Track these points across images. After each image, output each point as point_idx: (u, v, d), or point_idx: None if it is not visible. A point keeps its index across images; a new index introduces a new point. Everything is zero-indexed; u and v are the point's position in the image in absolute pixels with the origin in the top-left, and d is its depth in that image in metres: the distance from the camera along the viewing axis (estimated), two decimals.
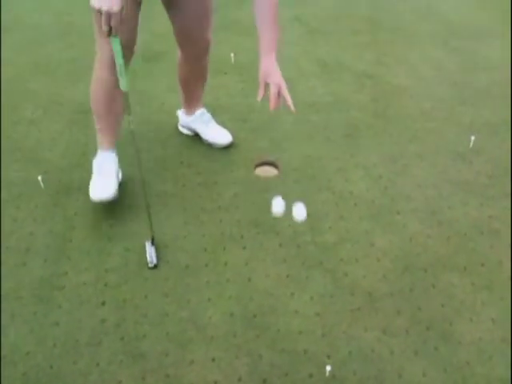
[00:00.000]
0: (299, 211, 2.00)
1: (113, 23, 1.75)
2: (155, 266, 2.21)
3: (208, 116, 2.91)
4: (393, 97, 3.38)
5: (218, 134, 2.91)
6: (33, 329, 1.99)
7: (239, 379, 1.85)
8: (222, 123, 3.07)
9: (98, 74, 2.32)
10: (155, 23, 4.18)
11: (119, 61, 1.74)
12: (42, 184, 2.59)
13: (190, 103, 2.88)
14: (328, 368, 1.83)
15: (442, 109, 3.27)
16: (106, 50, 2.16)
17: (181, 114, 2.98)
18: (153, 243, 2.27)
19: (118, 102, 2.38)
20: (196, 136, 3.00)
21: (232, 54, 3.69)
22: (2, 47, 3.94)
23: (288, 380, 1.84)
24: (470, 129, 3.06)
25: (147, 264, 2.23)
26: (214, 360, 1.90)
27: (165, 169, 2.77)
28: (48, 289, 2.14)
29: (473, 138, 2.90)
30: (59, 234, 2.39)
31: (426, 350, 1.96)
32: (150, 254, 2.24)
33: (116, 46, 1.72)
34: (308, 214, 2.47)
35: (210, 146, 2.92)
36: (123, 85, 1.78)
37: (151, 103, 3.34)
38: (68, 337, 1.97)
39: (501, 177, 2.74)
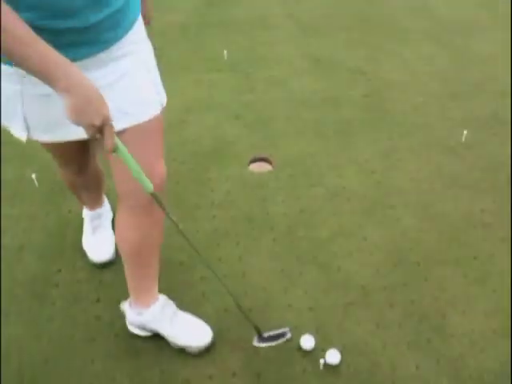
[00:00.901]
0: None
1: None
2: None
3: (171, 305, 1.95)
4: (384, 92, 3.40)
5: (192, 333, 1.92)
6: (28, 325, 2.00)
7: (233, 374, 1.86)
8: (215, 120, 3.09)
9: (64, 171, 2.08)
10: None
11: (134, 167, 1.32)
12: (36, 182, 2.59)
13: (140, 292, 1.90)
14: (322, 362, 1.84)
15: (433, 104, 3.28)
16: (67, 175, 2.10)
17: (127, 308, 1.93)
18: None
19: (90, 179, 2.13)
20: (189, 138, 3.01)
21: (225, 51, 3.69)
22: None
23: (282, 374, 1.86)
24: (461, 123, 3.07)
25: None
26: (208, 355, 1.92)
27: None
28: (43, 286, 2.15)
29: (465, 132, 2.92)
30: (54, 231, 2.40)
31: (418, 342, 1.98)
32: None
33: (124, 154, 1.29)
34: (301, 210, 2.50)
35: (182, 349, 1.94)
36: (148, 187, 1.38)
37: None
38: (63, 333, 1.98)
39: (493, 170, 2.76)
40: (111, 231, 2.29)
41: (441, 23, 4.24)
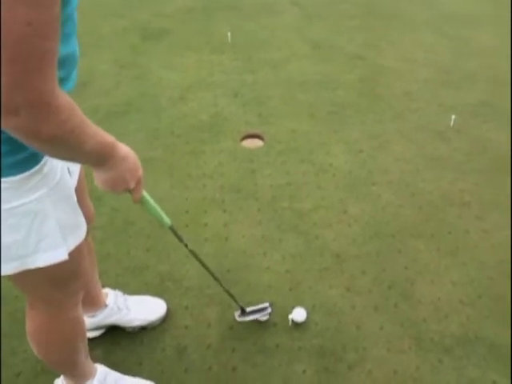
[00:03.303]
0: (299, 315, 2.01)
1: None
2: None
3: (121, 295, 1.97)
4: (380, 78, 3.49)
5: (147, 308, 2.00)
6: None
7: (208, 325, 1.99)
8: (213, 98, 3.23)
9: (72, 314, 1.47)
10: (155, 3, 4.33)
11: (153, 205, 1.39)
12: None
13: (93, 300, 1.85)
14: (290, 317, 1.97)
15: (426, 90, 3.38)
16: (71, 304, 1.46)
17: None
18: None
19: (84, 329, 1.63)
20: (188, 113, 3.15)
21: (229, 34, 3.81)
22: None
23: (253, 326, 1.98)
24: (452, 109, 3.16)
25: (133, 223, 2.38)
26: (186, 308, 2.05)
27: (156, 138, 2.91)
28: None
29: (453, 117, 3.01)
30: None
31: (385, 306, 2.09)
32: None
33: (150, 203, 1.38)
34: (288, 183, 2.63)
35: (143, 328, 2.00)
36: (166, 220, 1.46)
37: (149, 78, 3.48)
38: None
39: (477, 154, 2.86)
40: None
41: (443, 14, 4.31)
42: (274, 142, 2.91)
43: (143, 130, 2.96)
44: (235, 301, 1.93)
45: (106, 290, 1.95)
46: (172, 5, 4.26)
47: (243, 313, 1.97)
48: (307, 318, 1.99)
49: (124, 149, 1.13)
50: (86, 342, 1.62)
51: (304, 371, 1.85)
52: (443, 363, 1.89)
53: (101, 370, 1.72)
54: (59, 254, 1.18)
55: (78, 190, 1.37)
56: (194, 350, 1.91)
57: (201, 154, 2.82)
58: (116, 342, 1.92)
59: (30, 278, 1.24)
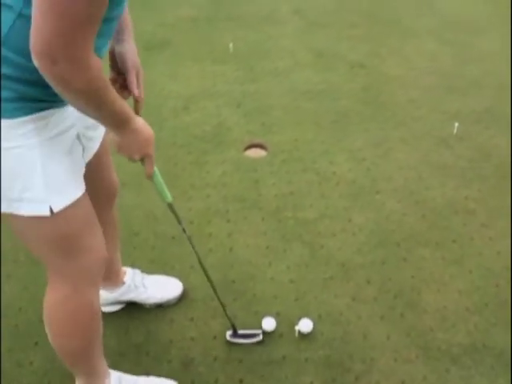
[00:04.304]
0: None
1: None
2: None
3: (139, 273, 2.07)
4: (383, 86, 3.49)
5: (164, 287, 2.10)
6: (26, 287, 2.15)
7: (214, 337, 1.99)
8: (216, 108, 3.24)
9: (88, 298, 1.50)
10: (158, 13, 4.36)
11: (160, 181, 1.49)
12: None
13: (111, 276, 1.92)
14: (297, 328, 1.96)
15: (429, 97, 3.37)
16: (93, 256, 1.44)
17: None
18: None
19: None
20: (190, 123, 3.15)
21: (231, 44, 3.83)
22: None
23: None
24: (455, 116, 3.16)
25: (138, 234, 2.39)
26: (192, 320, 2.05)
27: (158, 148, 2.84)
28: None
29: (456, 124, 3.00)
30: None
31: (392, 316, 2.08)
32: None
33: (158, 179, 1.49)
34: (291, 192, 2.63)
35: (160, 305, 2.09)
36: (168, 196, 1.54)
37: (151, 88, 3.47)
38: None
39: (481, 161, 2.85)
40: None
41: (444, 21, 4.32)
42: (278, 152, 2.91)
43: None
44: (228, 318, 1.93)
45: (125, 268, 2.03)
46: (174, 15, 4.27)
47: (235, 334, 1.96)
48: (313, 328, 1.98)
49: (138, 123, 1.25)
50: (101, 338, 1.62)
51: (311, 383, 1.84)
52: (451, 373, 1.88)
53: (114, 374, 1.74)
54: (42, 208, 1.23)
55: (100, 161, 1.53)
56: (201, 362, 1.90)
57: (204, 164, 2.83)
58: (122, 353, 1.92)
59: (32, 236, 1.34)
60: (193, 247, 1.75)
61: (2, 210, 1.25)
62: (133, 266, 2.25)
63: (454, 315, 2.09)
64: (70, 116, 1.27)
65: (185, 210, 2.52)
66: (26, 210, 1.23)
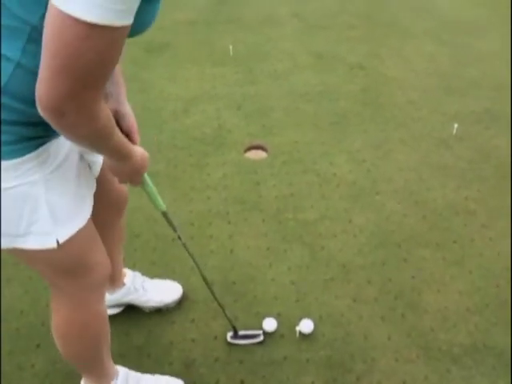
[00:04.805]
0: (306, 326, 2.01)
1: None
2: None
3: (139, 276, 2.08)
4: (382, 87, 3.50)
5: (163, 291, 2.10)
6: (28, 291, 2.16)
7: (215, 338, 1.99)
8: (216, 110, 3.24)
9: (95, 309, 1.52)
10: (158, 16, 4.36)
11: (152, 189, 1.50)
12: None
13: (113, 278, 1.91)
14: (298, 329, 1.96)
15: (429, 98, 3.38)
16: (99, 271, 1.45)
17: None
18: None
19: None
20: (190, 126, 3.16)
21: (231, 47, 3.84)
22: None
23: None
24: (454, 117, 3.16)
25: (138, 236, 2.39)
26: (193, 321, 2.05)
27: (159, 151, 2.92)
28: None
29: (456, 125, 3.01)
30: None
31: (393, 316, 2.08)
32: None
33: (147, 185, 1.49)
34: (292, 194, 2.63)
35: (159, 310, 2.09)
36: (162, 205, 1.55)
37: (151, 91, 3.49)
38: None
39: (480, 162, 2.85)
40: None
41: (443, 22, 4.33)
42: (278, 153, 2.92)
43: (146, 143, 2.92)
44: (228, 319, 1.93)
45: (126, 270, 2.03)
46: (174, 18, 4.28)
47: (235, 335, 1.96)
48: (314, 329, 1.99)
49: (135, 157, 1.28)
50: (109, 339, 1.63)
51: (312, 383, 1.84)
52: (452, 373, 1.88)
53: (122, 371, 1.75)
54: (48, 241, 1.22)
55: (105, 174, 1.50)
56: (202, 363, 1.90)
57: (204, 166, 2.83)
58: (123, 355, 1.92)
59: (37, 264, 1.34)
60: (189, 253, 1.76)
61: (8, 245, 1.23)
62: (134, 267, 2.25)
63: (455, 315, 2.09)
64: (67, 141, 1.25)
65: (185, 212, 2.52)
66: (32, 243, 1.22)
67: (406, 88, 3.50)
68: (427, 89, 3.49)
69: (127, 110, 1.39)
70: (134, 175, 1.36)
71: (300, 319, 2.01)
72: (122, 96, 1.41)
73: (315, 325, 1.99)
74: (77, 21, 0.82)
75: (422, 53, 3.92)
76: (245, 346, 1.95)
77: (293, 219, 2.50)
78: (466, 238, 2.42)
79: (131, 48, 4.01)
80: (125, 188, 1.72)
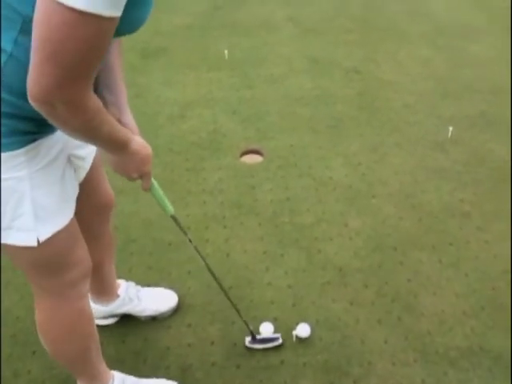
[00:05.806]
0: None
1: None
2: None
3: (133, 286, 2.04)
4: (378, 91, 3.52)
5: (159, 299, 2.07)
6: (24, 296, 2.15)
7: (212, 342, 1.99)
8: (212, 115, 3.25)
9: (77, 305, 1.50)
10: (153, 21, 4.37)
11: (160, 194, 1.54)
12: None
13: (106, 290, 1.93)
14: (294, 333, 1.96)
15: (424, 102, 3.40)
16: (82, 267, 1.45)
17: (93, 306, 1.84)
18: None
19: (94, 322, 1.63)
20: (186, 130, 3.16)
21: (226, 51, 3.85)
22: None
23: None
24: (450, 121, 3.18)
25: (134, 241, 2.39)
26: (189, 326, 2.05)
27: (155, 155, 2.84)
28: None
29: (451, 128, 3.02)
30: None
31: (389, 319, 2.08)
32: None
33: (157, 191, 1.54)
34: (288, 198, 2.63)
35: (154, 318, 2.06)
36: (170, 209, 1.57)
37: (147, 96, 3.50)
38: None
39: (476, 165, 2.86)
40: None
41: (438, 26, 4.36)
42: (274, 157, 2.92)
43: None
44: (246, 324, 1.92)
45: (119, 281, 2.00)
46: (170, 23, 4.30)
47: (254, 339, 1.95)
48: (311, 333, 1.98)
49: (135, 145, 1.28)
50: (97, 341, 1.63)
51: None
52: (448, 376, 1.88)
53: (118, 376, 1.74)
54: (29, 238, 1.23)
55: (94, 176, 1.53)
56: (199, 367, 1.90)
57: (200, 170, 2.83)
58: (120, 360, 1.91)
59: (20, 262, 1.35)
60: (201, 256, 1.76)
61: None
62: (130, 272, 2.26)
63: (451, 318, 2.09)
64: (60, 140, 1.28)
65: (182, 217, 2.50)
66: (13, 240, 1.24)
67: (401, 92, 3.51)
68: (423, 93, 3.50)
69: (129, 119, 1.39)
70: (140, 167, 1.35)
71: (297, 323, 2.01)
72: (124, 105, 1.42)
73: (312, 329, 1.99)
74: (65, 7, 0.84)
75: (417, 57, 3.94)
76: (242, 350, 1.95)
77: (289, 223, 2.50)
78: (462, 240, 2.43)
79: (128, 53, 4.03)
80: (111, 191, 1.72)
